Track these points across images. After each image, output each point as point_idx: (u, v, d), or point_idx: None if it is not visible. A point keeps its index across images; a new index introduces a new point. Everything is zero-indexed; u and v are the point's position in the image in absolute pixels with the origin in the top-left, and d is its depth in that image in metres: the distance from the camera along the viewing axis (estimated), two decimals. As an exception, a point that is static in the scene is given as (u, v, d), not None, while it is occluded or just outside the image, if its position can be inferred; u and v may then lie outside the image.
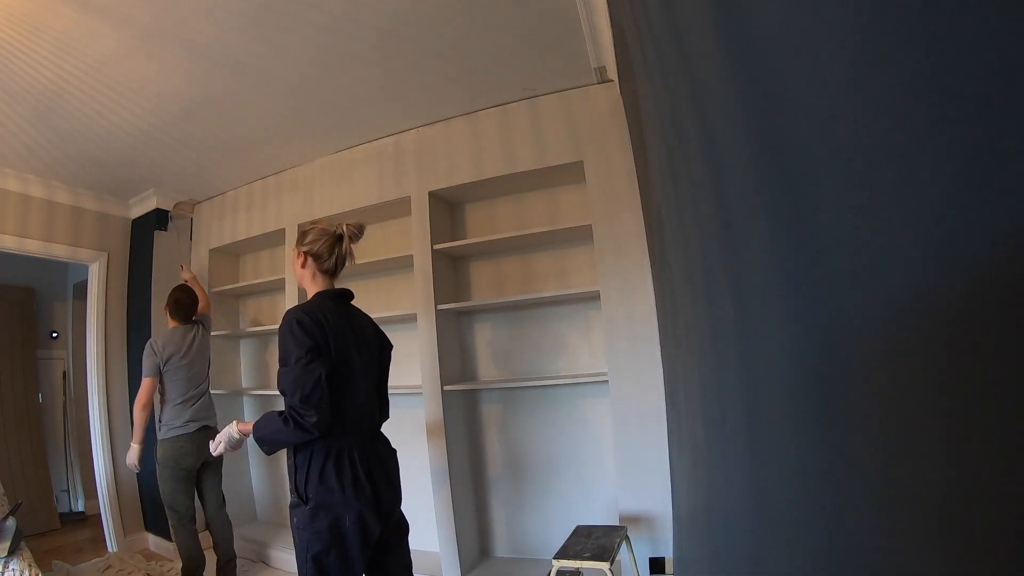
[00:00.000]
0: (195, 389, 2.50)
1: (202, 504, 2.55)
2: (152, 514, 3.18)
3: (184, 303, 2.58)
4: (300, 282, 1.64)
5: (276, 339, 3.30)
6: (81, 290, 3.60)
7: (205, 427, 2.47)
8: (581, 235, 2.35)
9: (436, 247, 2.50)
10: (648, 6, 0.81)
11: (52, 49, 1.83)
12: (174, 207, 3.39)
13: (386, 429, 2.87)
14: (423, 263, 2.49)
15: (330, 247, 1.58)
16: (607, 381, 2.16)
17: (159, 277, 3.27)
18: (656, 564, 2.03)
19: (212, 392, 3.25)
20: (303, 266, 1.60)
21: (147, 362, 2.42)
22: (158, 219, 3.28)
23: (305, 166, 3.02)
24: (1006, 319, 0.18)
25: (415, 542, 2.76)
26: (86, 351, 3.23)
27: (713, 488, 0.81)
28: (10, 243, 2.84)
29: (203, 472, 2.52)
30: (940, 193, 0.21)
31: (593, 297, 2.31)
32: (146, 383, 2.41)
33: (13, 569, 1.51)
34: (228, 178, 3.20)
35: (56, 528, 2.76)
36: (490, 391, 2.61)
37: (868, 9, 0.24)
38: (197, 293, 2.70)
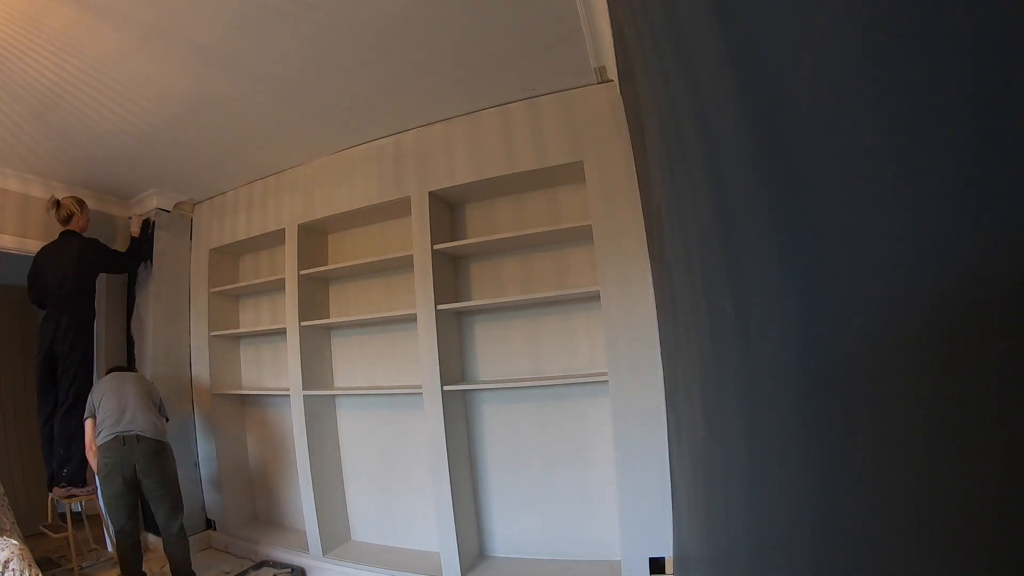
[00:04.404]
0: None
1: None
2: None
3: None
4: None
5: (276, 339, 3.30)
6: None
7: (125, 437, 2.33)
8: (581, 235, 2.35)
9: (436, 247, 2.50)
10: (648, 6, 0.81)
11: (52, 49, 1.83)
12: (174, 207, 3.39)
13: (388, 429, 2.88)
14: (423, 263, 2.49)
15: None
16: (607, 381, 2.16)
17: (160, 277, 3.27)
18: (656, 564, 2.03)
19: (214, 393, 3.27)
20: None
21: None
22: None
23: (305, 166, 3.02)
24: (1007, 319, 0.18)
25: (416, 542, 2.78)
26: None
27: (712, 487, 0.81)
28: (10, 243, 2.84)
29: (148, 489, 2.38)
30: (940, 194, 0.21)
31: (593, 297, 2.31)
32: None
33: (13, 569, 1.51)
34: (228, 178, 3.20)
35: (55, 528, 2.77)
36: (490, 391, 2.61)
37: (868, 9, 0.24)
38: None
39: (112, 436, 2.32)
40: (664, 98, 0.83)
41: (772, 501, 0.48)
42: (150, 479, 2.34)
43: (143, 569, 2.44)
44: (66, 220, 2.84)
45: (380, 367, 2.93)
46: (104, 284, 3.18)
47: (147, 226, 3.30)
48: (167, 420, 2.62)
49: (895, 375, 0.25)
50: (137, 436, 2.33)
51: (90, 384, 2.71)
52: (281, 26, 1.80)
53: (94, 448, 2.39)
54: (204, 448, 3.30)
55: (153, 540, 3.18)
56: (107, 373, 2.67)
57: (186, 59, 1.97)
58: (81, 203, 2.89)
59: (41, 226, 2.93)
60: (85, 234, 2.93)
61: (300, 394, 2.84)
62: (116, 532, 2.39)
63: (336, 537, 2.89)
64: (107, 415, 2.39)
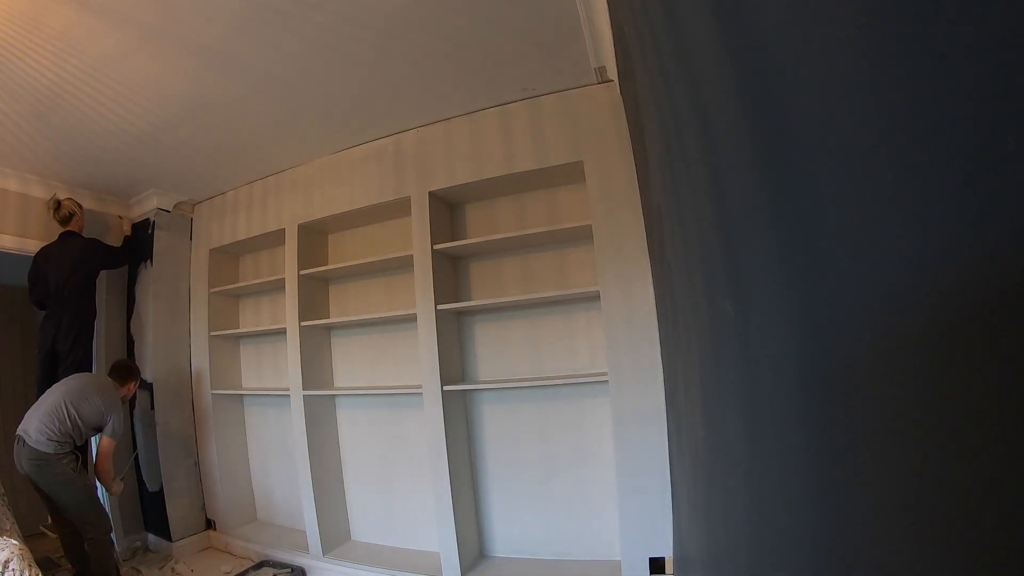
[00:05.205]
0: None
1: None
2: (152, 514, 3.18)
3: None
4: None
5: (276, 339, 3.29)
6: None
7: (19, 436, 2.30)
8: (581, 235, 2.35)
9: (436, 247, 2.50)
10: (648, 6, 0.81)
11: (52, 49, 1.83)
12: (174, 207, 3.39)
13: (388, 429, 2.88)
14: (423, 263, 2.49)
15: None
16: (607, 381, 2.16)
17: (160, 277, 3.27)
18: (656, 564, 2.03)
19: (214, 392, 3.27)
20: None
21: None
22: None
23: (305, 166, 3.02)
24: (1007, 319, 0.18)
25: (416, 542, 2.78)
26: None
27: (712, 487, 0.81)
28: (10, 243, 2.84)
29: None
30: (940, 194, 0.21)
31: (593, 297, 2.31)
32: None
33: (13, 569, 1.51)
34: (228, 178, 3.20)
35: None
36: (490, 391, 2.61)
37: (868, 9, 0.24)
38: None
39: (17, 435, 2.33)
40: (664, 98, 0.83)
41: (772, 501, 0.48)
42: (38, 487, 2.31)
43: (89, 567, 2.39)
44: (66, 220, 2.85)
45: (380, 367, 2.93)
46: (104, 284, 3.18)
47: (146, 226, 3.31)
48: (109, 433, 2.43)
49: (895, 375, 0.25)
50: (23, 440, 2.28)
51: None
52: (281, 26, 1.80)
53: None
54: (204, 448, 3.30)
55: (154, 541, 3.19)
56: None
57: (186, 59, 1.96)
58: (79, 205, 2.92)
59: (41, 226, 2.93)
60: (83, 234, 2.94)
61: (300, 394, 2.84)
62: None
63: (336, 537, 2.89)
64: (37, 402, 2.42)
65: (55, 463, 2.29)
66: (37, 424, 2.29)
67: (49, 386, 2.75)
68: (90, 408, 2.40)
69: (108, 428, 2.44)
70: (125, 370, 2.68)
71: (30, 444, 2.26)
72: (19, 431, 2.32)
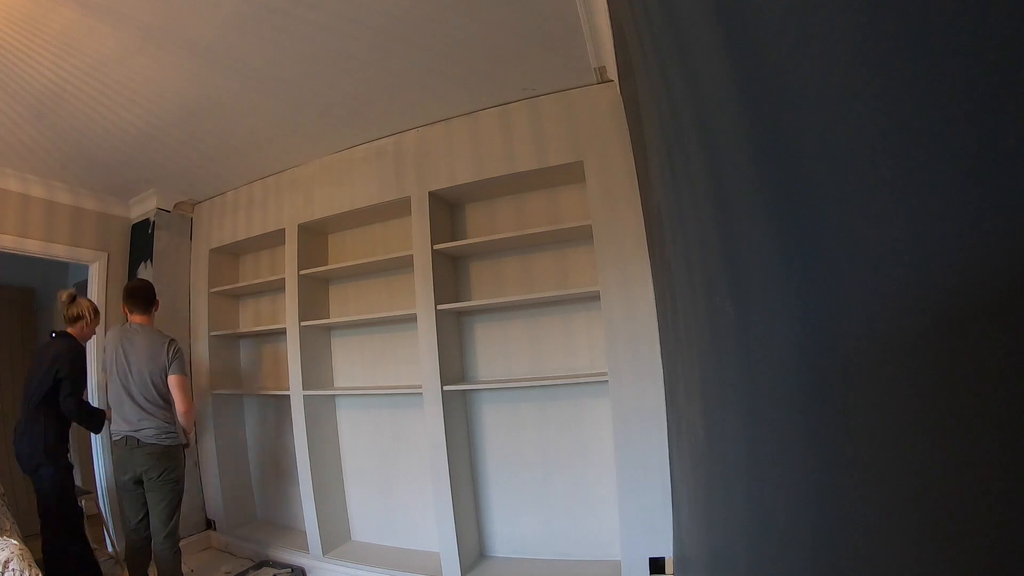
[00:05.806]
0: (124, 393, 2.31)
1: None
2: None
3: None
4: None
5: (276, 339, 3.29)
6: (81, 290, 3.59)
7: (128, 437, 2.27)
8: (581, 235, 2.35)
9: (436, 247, 2.50)
10: (648, 6, 0.81)
11: (52, 49, 1.83)
12: (174, 207, 3.39)
13: (388, 429, 2.88)
14: (423, 263, 2.49)
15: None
16: (607, 381, 2.16)
17: (159, 277, 3.27)
18: (656, 564, 2.03)
19: (214, 392, 3.27)
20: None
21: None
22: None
23: (305, 166, 3.02)
24: (1007, 319, 0.18)
25: (416, 542, 2.78)
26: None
27: (712, 487, 0.81)
28: (10, 243, 2.84)
29: (145, 489, 2.32)
30: (940, 193, 0.21)
31: (593, 297, 2.31)
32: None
33: (13, 570, 1.51)
34: (228, 178, 3.20)
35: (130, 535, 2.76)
36: (490, 391, 2.61)
37: (868, 9, 0.24)
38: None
39: (120, 436, 2.30)
40: (664, 98, 0.83)
41: (772, 501, 0.48)
42: (149, 478, 2.31)
43: (148, 573, 2.41)
44: (73, 320, 2.50)
45: (380, 367, 2.93)
46: (104, 283, 3.18)
47: (146, 226, 3.30)
48: (185, 375, 2.38)
49: (895, 375, 0.25)
50: (138, 440, 2.27)
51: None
52: (281, 26, 1.80)
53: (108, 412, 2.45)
54: (204, 448, 3.30)
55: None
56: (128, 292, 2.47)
57: (186, 59, 1.97)
58: (96, 312, 2.60)
59: (41, 226, 2.93)
60: (84, 342, 2.58)
61: (300, 394, 2.84)
62: (125, 530, 2.41)
63: (336, 537, 2.89)
64: (113, 400, 2.35)
65: (174, 453, 2.35)
66: (151, 432, 2.28)
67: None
68: (158, 368, 2.33)
69: (174, 367, 2.35)
70: (148, 293, 2.47)
71: (146, 441, 2.27)
72: (127, 433, 2.27)
